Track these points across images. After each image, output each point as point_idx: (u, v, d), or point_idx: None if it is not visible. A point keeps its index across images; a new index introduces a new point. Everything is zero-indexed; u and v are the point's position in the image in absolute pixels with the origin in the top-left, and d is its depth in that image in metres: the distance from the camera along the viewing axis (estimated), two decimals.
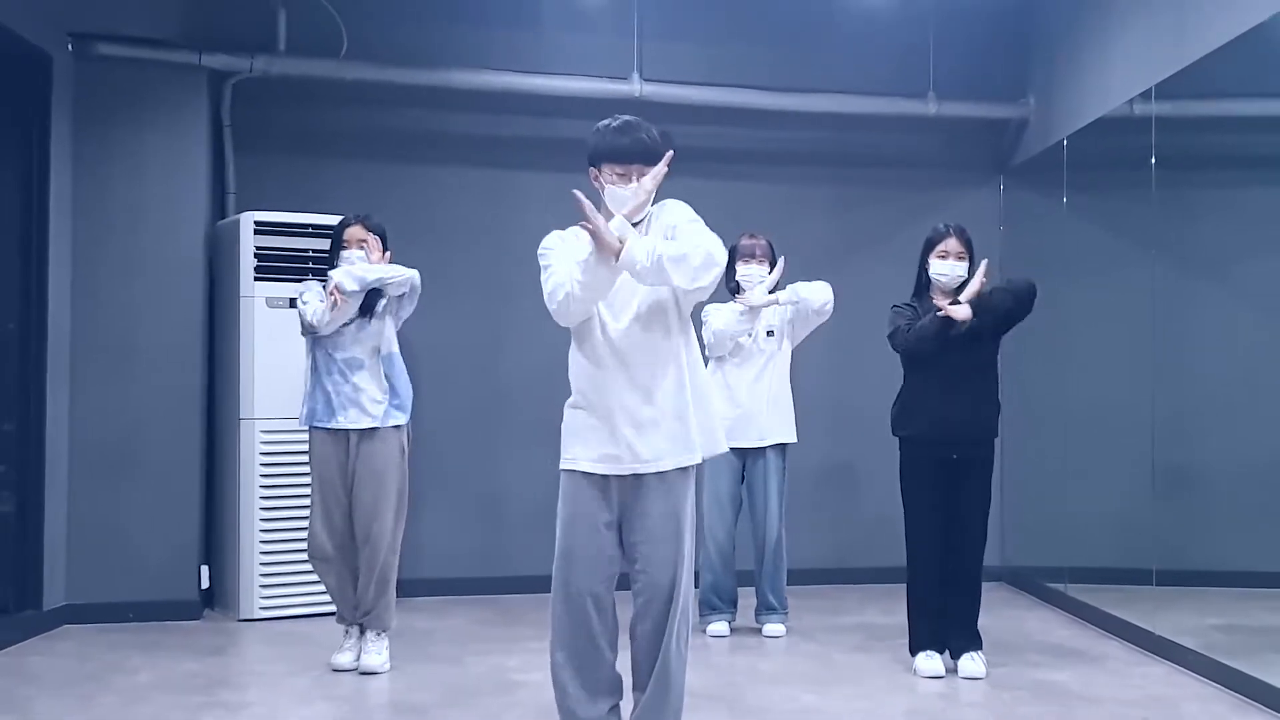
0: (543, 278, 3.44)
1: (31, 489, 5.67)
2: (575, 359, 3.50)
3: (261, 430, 5.97)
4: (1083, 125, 6.32)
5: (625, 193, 3.38)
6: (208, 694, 4.63)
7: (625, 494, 3.45)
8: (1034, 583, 6.77)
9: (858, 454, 7.06)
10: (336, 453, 4.93)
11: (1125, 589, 5.86)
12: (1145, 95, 5.62)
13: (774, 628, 5.72)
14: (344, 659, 4.99)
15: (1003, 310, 4.83)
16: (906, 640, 5.03)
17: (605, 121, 3.48)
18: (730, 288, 5.65)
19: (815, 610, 6.19)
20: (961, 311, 4.73)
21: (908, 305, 4.99)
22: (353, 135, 6.67)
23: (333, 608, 5.20)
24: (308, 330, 4.93)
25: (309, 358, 5.01)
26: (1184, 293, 5.53)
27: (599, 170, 3.46)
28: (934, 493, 4.90)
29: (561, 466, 3.50)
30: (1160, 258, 5.60)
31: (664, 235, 3.37)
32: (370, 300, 4.91)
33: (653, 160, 3.40)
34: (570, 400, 3.51)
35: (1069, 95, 6.60)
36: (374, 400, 4.91)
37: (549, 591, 3.50)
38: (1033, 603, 6.58)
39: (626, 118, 3.49)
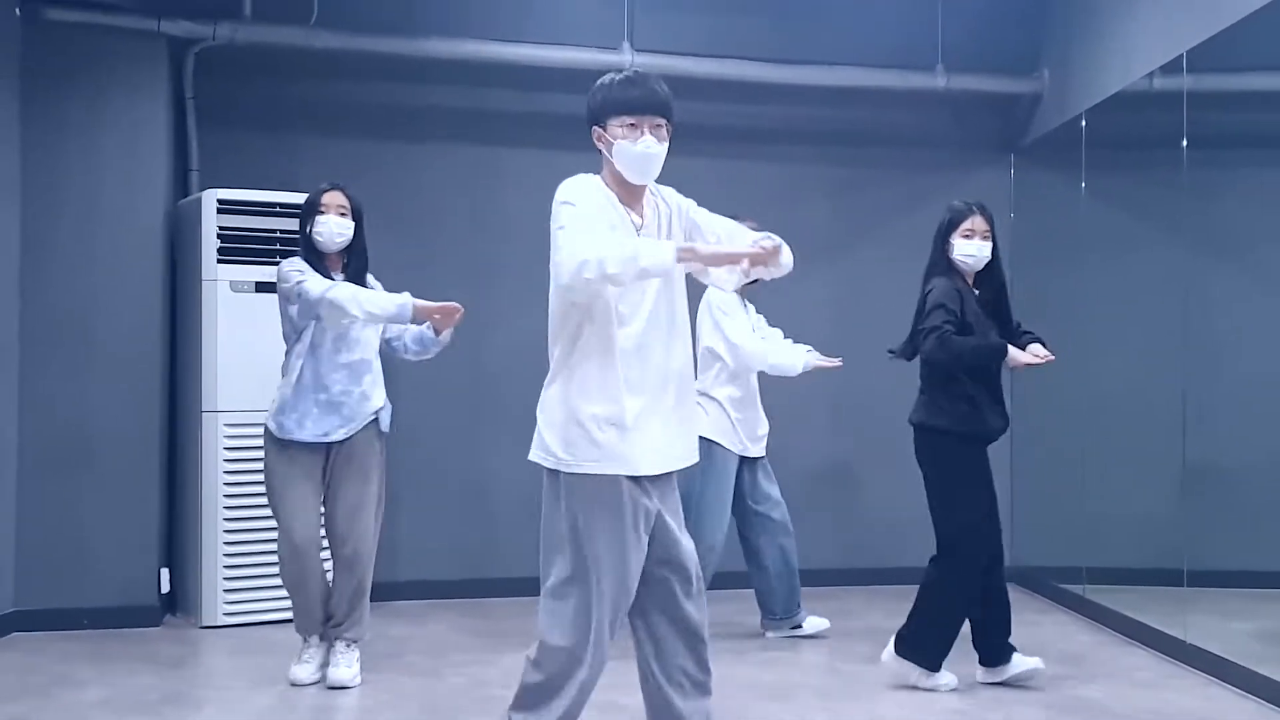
0: (559, 239, 2.96)
1: None
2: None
3: (225, 424, 5.61)
4: (1102, 99, 5.97)
5: (637, 149, 3.04)
6: (157, 714, 4.25)
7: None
8: (1045, 583, 6.41)
9: (859, 450, 6.77)
10: (316, 463, 4.57)
11: (1149, 590, 5.55)
12: (1172, 66, 5.27)
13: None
14: (304, 672, 4.59)
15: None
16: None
17: (608, 76, 3.16)
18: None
19: (819, 614, 5.81)
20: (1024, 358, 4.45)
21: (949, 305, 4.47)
22: (323, 108, 6.31)
23: None
24: (307, 314, 4.43)
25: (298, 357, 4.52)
26: (1216, 281, 5.26)
27: (603, 129, 3.10)
28: (992, 496, 4.54)
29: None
30: (1190, 244, 5.27)
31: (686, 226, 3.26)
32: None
33: (665, 114, 3.09)
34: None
35: (1087, 67, 6.23)
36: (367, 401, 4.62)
37: (538, 595, 3.13)
38: (1046, 605, 6.22)
39: (635, 70, 3.20)
